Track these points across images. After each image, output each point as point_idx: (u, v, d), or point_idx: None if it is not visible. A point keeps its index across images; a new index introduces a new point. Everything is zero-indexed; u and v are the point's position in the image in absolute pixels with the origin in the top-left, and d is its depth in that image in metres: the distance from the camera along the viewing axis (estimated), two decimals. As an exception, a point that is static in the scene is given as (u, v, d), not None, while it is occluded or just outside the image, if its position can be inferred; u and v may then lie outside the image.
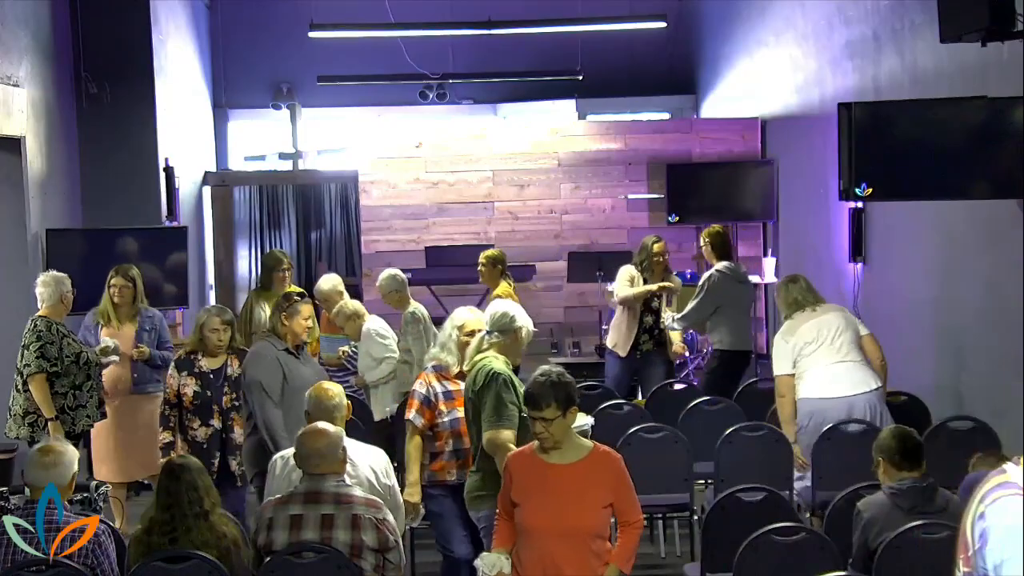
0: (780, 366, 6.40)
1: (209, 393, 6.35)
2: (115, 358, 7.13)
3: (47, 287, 6.95)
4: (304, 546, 4.34)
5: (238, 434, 6.26)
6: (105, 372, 7.08)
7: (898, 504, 4.63)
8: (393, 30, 12.37)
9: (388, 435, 7.49)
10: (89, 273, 8.33)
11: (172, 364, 6.57)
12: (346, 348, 8.01)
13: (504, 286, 8.37)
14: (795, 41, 10.70)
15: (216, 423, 6.33)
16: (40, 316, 6.88)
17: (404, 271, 10.57)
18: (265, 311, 8.25)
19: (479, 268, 8.59)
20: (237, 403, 6.27)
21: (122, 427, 7.28)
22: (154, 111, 10.01)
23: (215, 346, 6.43)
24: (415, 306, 7.94)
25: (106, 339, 7.11)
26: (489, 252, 8.67)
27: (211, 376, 6.38)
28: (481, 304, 10.93)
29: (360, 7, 12.07)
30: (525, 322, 5.24)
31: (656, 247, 8.36)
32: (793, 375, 6.34)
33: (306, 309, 6.12)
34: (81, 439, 6.88)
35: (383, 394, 7.59)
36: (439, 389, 5.42)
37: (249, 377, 5.92)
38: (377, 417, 7.58)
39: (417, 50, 13.11)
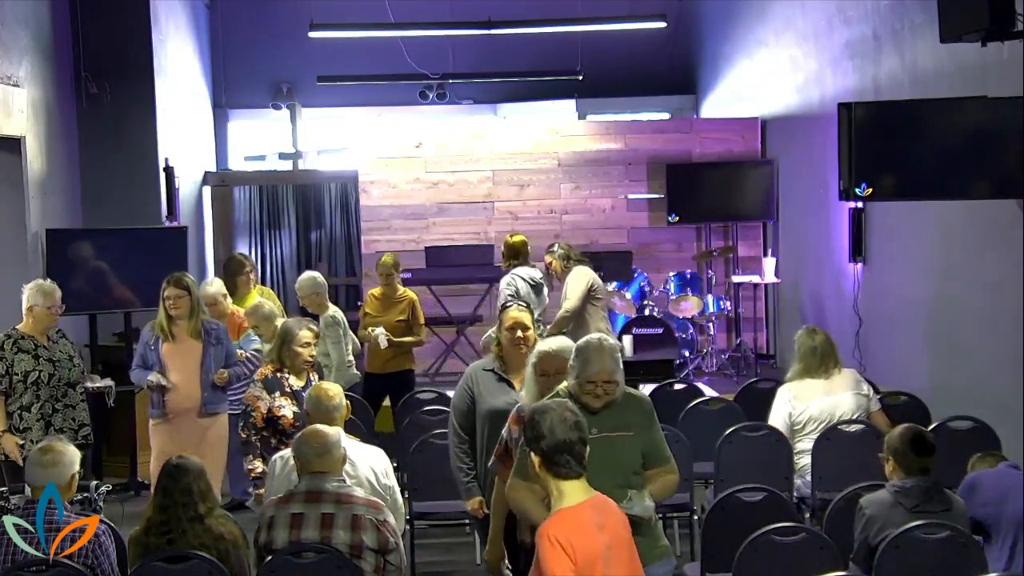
0: (774, 418, 6.29)
1: (296, 411, 5.73)
2: (101, 384, 6.91)
3: (25, 293, 6.59)
4: (304, 546, 4.34)
5: None
6: (171, 392, 6.55)
7: (901, 503, 4.63)
8: (393, 30, 12.37)
9: None
10: (89, 273, 8.36)
11: (257, 384, 5.88)
12: (243, 351, 7.40)
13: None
14: (795, 41, 10.70)
15: None
16: (13, 328, 6.59)
17: (404, 271, 10.67)
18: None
19: (548, 263, 8.50)
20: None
21: (184, 451, 6.66)
22: (154, 111, 10.01)
23: (304, 362, 5.91)
24: (334, 310, 7.99)
25: (153, 378, 6.53)
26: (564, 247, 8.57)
27: (302, 395, 5.55)
28: (482, 306, 10.98)
29: (360, 7, 12.07)
30: None
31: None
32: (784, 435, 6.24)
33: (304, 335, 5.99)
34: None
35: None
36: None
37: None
38: None
39: (417, 50, 13.11)
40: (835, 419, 6.14)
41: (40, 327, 6.55)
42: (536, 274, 8.32)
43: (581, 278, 8.19)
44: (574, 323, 7.99)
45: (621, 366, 4.36)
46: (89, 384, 6.77)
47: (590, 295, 8.17)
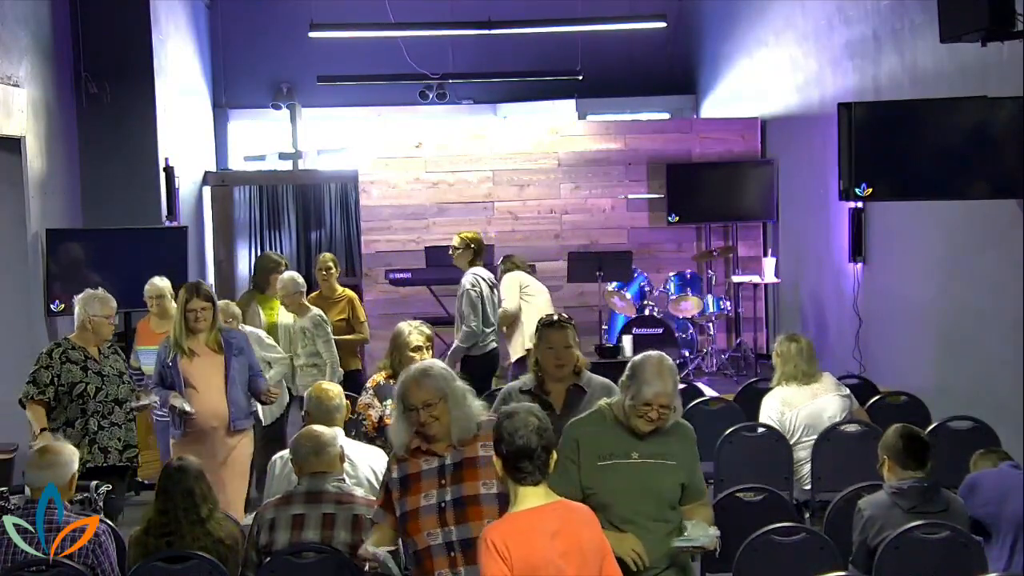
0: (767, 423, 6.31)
1: None
2: (148, 401, 6.34)
3: (77, 306, 6.24)
4: (304, 546, 4.34)
5: None
6: (197, 408, 6.13)
7: (899, 503, 4.64)
8: (393, 30, 12.37)
9: (279, 438, 7.48)
10: (89, 273, 8.36)
11: (368, 391, 5.63)
12: None
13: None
14: (795, 41, 10.70)
15: None
16: (64, 337, 6.31)
17: (404, 271, 10.68)
18: (261, 316, 8.20)
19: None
20: None
21: (208, 469, 6.33)
22: (154, 111, 10.01)
23: None
24: (317, 310, 7.98)
25: (176, 402, 6.10)
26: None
27: None
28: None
29: (360, 7, 12.07)
30: None
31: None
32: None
33: None
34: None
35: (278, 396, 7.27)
36: None
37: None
38: (267, 422, 7.51)
39: (417, 50, 13.11)
40: (823, 422, 6.15)
41: (97, 339, 6.22)
42: (490, 275, 8.43)
43: (511, 280, 8.49)
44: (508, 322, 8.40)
45: (678, 387, 4.11)
46: (132, 403, 6.30)
47: (523, 293, 8.47)
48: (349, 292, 8.72)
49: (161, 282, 7.45)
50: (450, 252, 8.43)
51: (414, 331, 5.54)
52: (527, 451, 3.53)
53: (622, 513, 4.00)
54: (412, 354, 5.49)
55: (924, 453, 4.74)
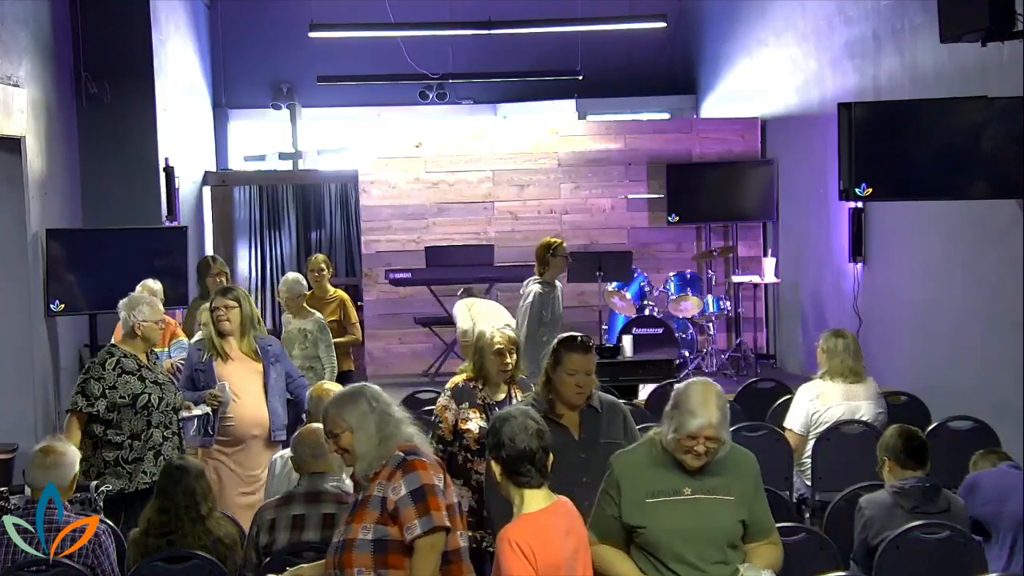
0: (792, 420, 6.22)
1: None
2: (199, 412, 6.02)
3: (121, 311, 5.82)
4: (304, 546, 4.34)
5: None
6: (235, 416, 5.89)
7: (900, 503, 4.64)
8: (393, 30, 12.37)
9: None
10: (89, 273, 8.35)
11: (446, 393, 5.28)
12: (174, 359, 7.06)
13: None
14: (795, 41, 10.70)
15: None
16: (112, 344, 5.93)
17: (404, 271, 10.68)
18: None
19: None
20: None
21: (247, 481, 6.07)
22: (154, 111, 10.00)
23: (500, 373, 5.17)
24: (318, 313, 7.92)
25: (213, 391, 5.89)
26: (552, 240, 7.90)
27: (496, 409, 5.05)
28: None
29: (360, 7, 12.07)
30: None
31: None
32: (802, 436, 6.16)
33: None
34: (139, 501, 5.33)
35: None
36: None
37: None
38: None
39: (417, 50, 13.10)
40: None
41: (147, 345, 5.80)
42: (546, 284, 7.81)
43: (460, 304, 8.29)
44: None
45: (728, 417, 3.73)
46: (185, 412, 5.93)
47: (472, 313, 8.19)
48: (341, 293, 8.67)
49: (155, 284, 7.30)
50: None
51: (497, 334, 5.19)
52: (529, 455, 3.52)
53: (675, 553, 3.70)
54: (495, 357, 5.15)
55: (923, 453, 4.75)
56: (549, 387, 4.47)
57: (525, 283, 7.74)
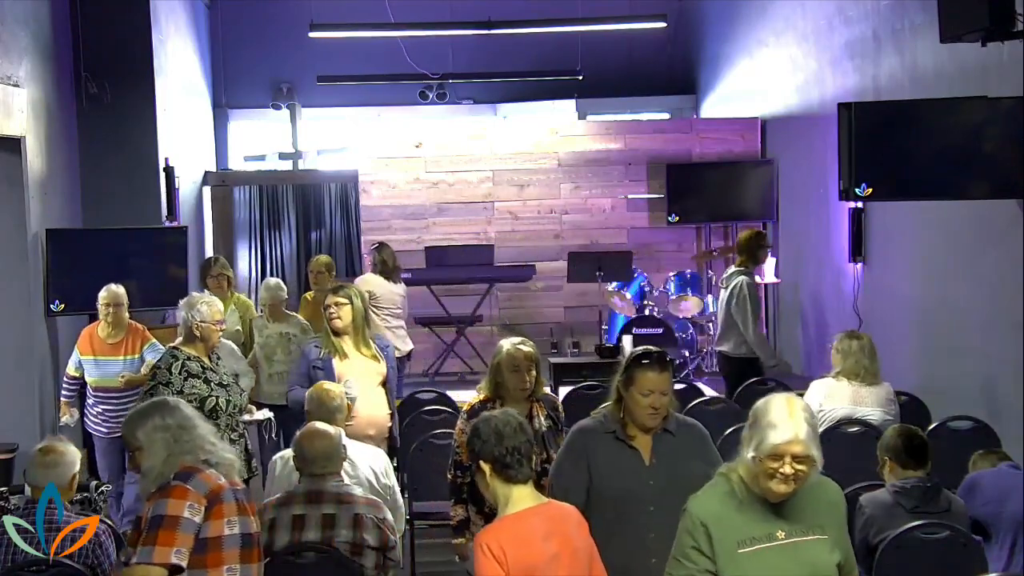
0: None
1: None
2: (261, 417, 5.89)
3: (181, 311, 5.76)
4: (304, 546, 4.34)
5: None
6: (356, 421, 5.62)
7: (901, 503, 4.64)
8: (393, 30, 12.37)
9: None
10: (89, 273, 8.34)
11: (462, 416, 5.00)
12: (151, 361, 6.88)
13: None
14: (795, 41, 10.70)
15: None
16: (173, 347, 5.83)
17: (404, 271, 10.68)
18: None
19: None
20: (548, 465, 4.66)
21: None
22: (154, 111, 10.00)
23: (519, 391, 4.90)
24: (299, 316, 7.90)
25: (350, 389, 5.61)
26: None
27: None
28: (482, 306, 10.96)
29: (360, 7, 12.07)
30: None
31: None
32: None
33: None
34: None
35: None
36: None
37: None
38: None
39: (417, 50, 13.11)
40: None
41: (207, 346, 5.72)
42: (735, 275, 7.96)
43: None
44: None
45: (818, 434, 3.24)
46: (247, 416, 5.80)
47: (372, 303, 8.22)
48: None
49: (119, 289, 7.23)
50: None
51: (515, 349, 4.87)
52: (516, 448, 3.52)
53: None
54: (512, 375, 4.86)
55: (924, 452, 4.75)
56: (620, 406, 4.07)
57: (726, 274, 7.75)
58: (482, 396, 4.94)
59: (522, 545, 3.41)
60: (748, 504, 3.26)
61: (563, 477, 4.08)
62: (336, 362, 5.84)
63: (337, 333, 5.90)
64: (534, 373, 4.87)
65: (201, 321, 5.64)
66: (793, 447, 3.15)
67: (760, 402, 3.29)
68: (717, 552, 3.23)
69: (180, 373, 5.52)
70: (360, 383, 5.78)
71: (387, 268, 8.96)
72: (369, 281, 8.76)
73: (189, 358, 5.60)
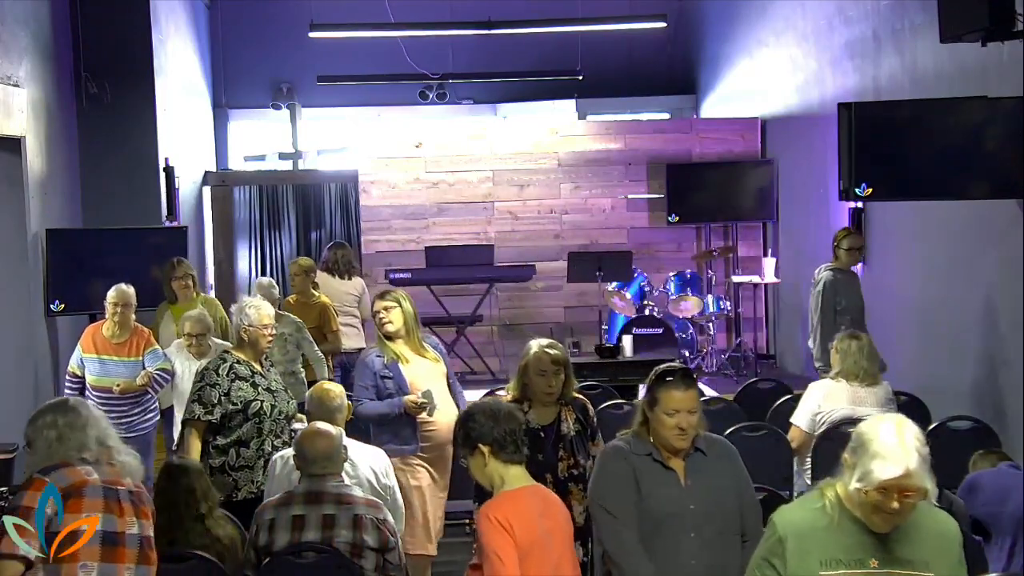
0: (799, 417, 6.18)
1: (541, 458, 4.67)
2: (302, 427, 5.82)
3: (235, 315, 5.66)
4: (305, 546, 4.33)
5: (578, 513, 4.68)
6: (436, 421, 5.53)
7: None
8: (393, 30, 12.37)
9: None
10: (89, 273, 8.36)
11: None
12: (149, 370, 6.93)
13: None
14: (795, 41, 10.70)
15: None
16: (224, 350, 5.79)
17: (404, 271, 10.69)
18: (173, 328, 7.62)
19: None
20: (576, 471, 4.78)
21: (432, 492, 5.72)
22: (154, 111, 10.01)
23: (545, 393, 4.81)
24: (292, 315, 7.82)
25: (412, 398, 5.49)
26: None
27: (541, 434, 4.76)
28: (482, 306, 10.96)
29: (360, 7, 12.08)
30: None
31: None
32: (808, 434, 6.10)
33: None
34: (242, 510, 5.04)
35: None
36: None
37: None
38: None
39: (417, 50, 13.11)
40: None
41: (257, 350, 5.60)
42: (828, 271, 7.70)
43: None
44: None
45: (929, 462, 2.94)
46: (297, 425, 5.55)
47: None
48: (325, 299, 8.53)
49: (129, 289, 7.11)
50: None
51: (542, 352, 4.76)
52: (511, 430, 3.69)
53: None
54: (539, 378, 4.76)
55: None
56: (647, 428, 3.85)
57: (817, 270, 7.69)
58: (509, 397, 4.84)
59: (523, 519, 3.56)
60: (841, 524, 3.01)
61: (608, 485, 3.85)
62: (403, 368, 5.62)
63: (391, 338, 5.69)
64: (562, 377, 4.76)
65: (249, 325, 5.55)
66: (903, 481, 2.88)
67: (867, 425, 3.02)
68: (794, 569, 3.01)
69: (227, 375, 5.46)
70: (435, 389, 5.58)
71: (336, 267, 9.14)
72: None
73: (238, 361, 5.53)
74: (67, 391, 7.23)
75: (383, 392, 5.59)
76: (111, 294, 7.07)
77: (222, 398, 5.39)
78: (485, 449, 3.69)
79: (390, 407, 5.55)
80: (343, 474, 4.69)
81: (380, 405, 5.56)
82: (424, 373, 5.63)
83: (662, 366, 3.94)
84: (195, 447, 5.34)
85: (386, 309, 5.67)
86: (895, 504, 2.89)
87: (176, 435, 6.89)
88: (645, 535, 3.77)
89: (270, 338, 5.63)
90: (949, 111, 6.73)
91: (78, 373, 7.15)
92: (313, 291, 8.47)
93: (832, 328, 7.17)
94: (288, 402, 5.61)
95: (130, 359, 7.04)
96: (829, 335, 6.92)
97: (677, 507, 3.75)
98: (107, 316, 7.12)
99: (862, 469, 2.91)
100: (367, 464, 5.00)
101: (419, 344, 5.72)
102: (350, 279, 9.18)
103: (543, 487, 3.86)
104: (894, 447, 2.89)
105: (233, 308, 5.70)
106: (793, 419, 6.23)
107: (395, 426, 5.53)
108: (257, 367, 5.58)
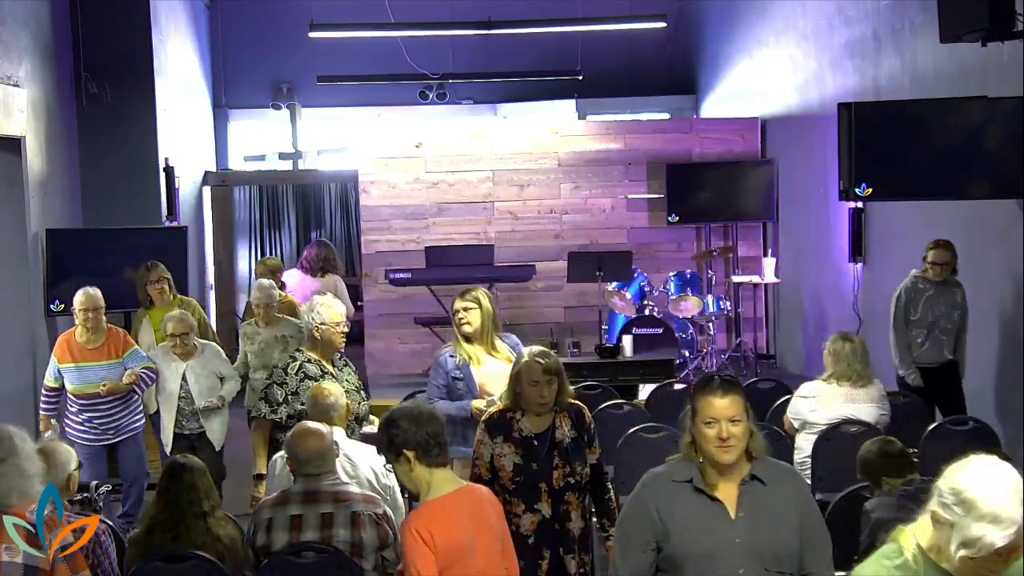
0: (792, 408, 6.28)
1: (535, 467, 4.57)
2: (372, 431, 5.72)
3: (305, 314, 5.66)
4: (305, 546, 4.33)
5: (575, 523, 4.61)
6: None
7: (909, 506, 4.63)
8: (393, 30, 12.37)
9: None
10: (89, 273, 8.34)
11: (481, 427, 4.72)
12: (135, 369, 6.83)
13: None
14: (795, 41, 10.70)
15: (545, 508, 4.57)
16: (297, 349, 5.76)
17: (404, 271, 10.69)
18: (151, 332, 7.58)
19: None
20: (572, 480, 4.61)
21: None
22: (154, 111, 10.01)
23: (537, 403, 4.64)
24: (290, 317, 7.82)
25: (479, 404, 5.38)
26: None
27: (535, 442, 4.61)
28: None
29: (360, 7, 12.08)
30: None
31: None
32: (793, 425, 6.21)
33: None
34: None
35: (226, 417, 7.06)
36: None
37: None
38: (219, 447, 7.02)
39: (417, 50, 13.11)
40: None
41: (329, 350, 5.58)
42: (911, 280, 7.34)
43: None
44: None
45: None
46: (367, 428, 5.51)
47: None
48: (291, 298, 8.55)
49: (96, 292, 6.89)
50: None
51: (533, 361, 4.64)
52: (434, 434, 3.67)
53: None
54: (530, 388, 4.62)
55: (906, 454, 4.89)
56: (694, 448, 3.40)
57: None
58: (501, 406, 4.75)
59: (448, 528, 3.57)
60: None
61: (629, 526, 3.44)
62: (473, 369, 5.53)
63: (469, 339, 5.57)
64: (555, 386, 4.61)
65: (321, 323, 5.52)
66: (1015, 542, 2.55)
67: (969, 478, 2.72)
68: None
69: (297, 374, 5.45)
70: (500, 389, 5.25)
71: (309, 265, 9.58)
72: (286, 275, 9.39)
73: (309, 360, 5.51)
74: (44, 407, 6.96)
75: (455, 393, 5.53)
76: (79, 299, 6.85)
77: (289, 397, 5.39)
78: (410, 454, 3.63)
79: (458, 410, 5.48)
80: (343, 475, 4.69)
81: (450, 407, 5.45)
82: (495, 375, 5.47)
83: (703, 375, 3.67)
84: (261, 444, 5.36)
85: (465, 310, 5.55)
86: (1000, 567, 2.58)
87: (165, 439, 6.94)
88: (684, 570, 3.30)
89: (343, 337, 5.57)
90: (949, 111, 6.74)
91: (55, 386, 6.87)
92: (280, 291, 8.41)
93: (904, 337, 7.07)
94: (360, 403, 5.55)
95: (110, 362, 6.85)
96: (902, 345, 6.97)
97: (720, 542, 3.28)
98: (78, 322, 6.88)
99: (968, 534, 2.57)
100: (367, 464, 5.00)
101: (491, 344, 5.60)
102: (322, 276, 9.31)
103: (476, 486, 3.86)
104: (1006, 507, 2.57)
105: (303, 307, 5.74)
106: (789, 410, 6.32)
107: (463, 428, 5.42)
108: (329, 367, 5.53)
